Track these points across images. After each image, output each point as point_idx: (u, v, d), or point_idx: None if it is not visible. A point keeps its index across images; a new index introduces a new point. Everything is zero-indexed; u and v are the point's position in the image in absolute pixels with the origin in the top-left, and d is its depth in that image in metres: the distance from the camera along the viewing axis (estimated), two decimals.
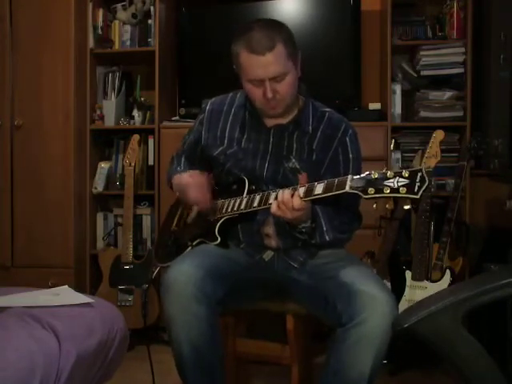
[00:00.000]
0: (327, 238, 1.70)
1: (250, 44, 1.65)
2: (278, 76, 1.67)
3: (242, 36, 1.68)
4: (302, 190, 1.57)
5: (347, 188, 1.46)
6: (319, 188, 1.54)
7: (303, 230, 1.67)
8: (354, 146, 1.80)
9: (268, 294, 1.85)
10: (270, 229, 1.79)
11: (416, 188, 1.36)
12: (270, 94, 1.68)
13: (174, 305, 1.60)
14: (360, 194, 1.43)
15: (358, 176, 1.46)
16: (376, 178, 1.42)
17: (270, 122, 1.81)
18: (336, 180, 1.51)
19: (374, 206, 1.49)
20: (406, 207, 1.49)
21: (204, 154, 1.91)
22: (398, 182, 1.38)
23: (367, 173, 1.44)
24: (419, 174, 1.37)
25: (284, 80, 1.68)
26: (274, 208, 1.59)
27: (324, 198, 1.55)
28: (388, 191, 1.39)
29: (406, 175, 1.38)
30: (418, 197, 1.36)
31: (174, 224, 1.99)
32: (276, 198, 1.61)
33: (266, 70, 1.66)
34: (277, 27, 1.70)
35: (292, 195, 1.56)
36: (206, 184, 1.81)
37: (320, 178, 1.63)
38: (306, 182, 1.59)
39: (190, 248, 1.82)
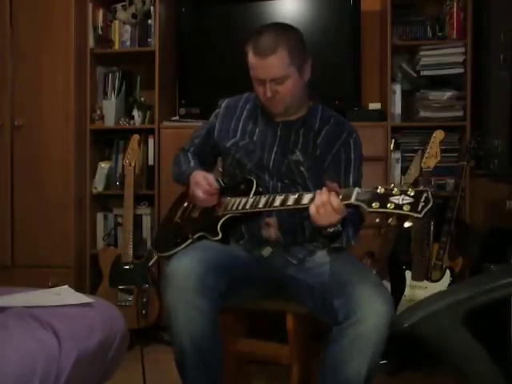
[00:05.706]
0: (352, 242, 1.73)
1: (255, 46, 1.75)
2: (278, 79, 1.74)
3: (252, 37, 1.77)
4: (343, 192, 1.52)
5: (353, 200, 1.48)
6: None
7: (331, 231, 1.61)
8: (357, 149, 1.85)
9: (267, 291, 1.86)
10: (271, 219, 1.82)
11: (420, 207, 1.37)
12: (268, 94, 1.76)
13: (175, 298, 1.61)
14: (365, 206, 1.45)
15: (364, 189, 1.48)
16: (382, 193, 1.43)
17: (279, 119, 1.88)
18: (342, 191, 1.53)
19: (377, 220, 1.49)
20: (407, 225, 1.49)
21: (215, 146, 1.97)
22: (403, 199, 1.39)
23: (374, 187, 1.46)
24: (424, 195, 1.38)
25: (284, 83, 1.75)
26: (312, 211, 1.53)
27: None
28: (392, 207, 1.40)
29: (412, 194, 1.39)
30: (420, 216, 1.37)
31: (178, 216, 2.00)
32: (312, 200, 1.55)
33: (266, 72, 1.74)
34: (285, 33, 1.77)
35: (328, 196, 1.51)
36: (214, 190, 1.82)
37: (322, 173, 1.74)
38: (333, 186, 1.54)
39: (190, 240, 1.83)
